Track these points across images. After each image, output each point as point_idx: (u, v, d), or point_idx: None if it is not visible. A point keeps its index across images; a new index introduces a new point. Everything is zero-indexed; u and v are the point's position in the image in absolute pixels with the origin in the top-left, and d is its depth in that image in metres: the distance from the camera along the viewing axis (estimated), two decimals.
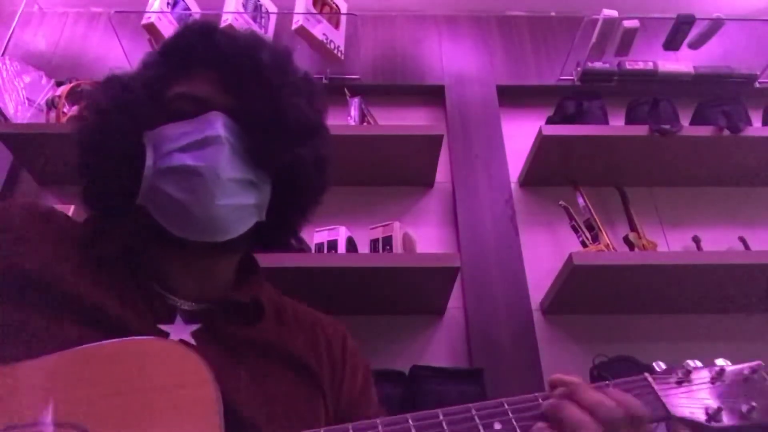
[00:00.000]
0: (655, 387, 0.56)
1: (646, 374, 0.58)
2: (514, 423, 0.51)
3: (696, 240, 1.63)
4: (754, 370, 0.57)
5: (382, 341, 1.49)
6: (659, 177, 1.75)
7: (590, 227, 1.54)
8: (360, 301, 1.47)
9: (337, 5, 1.94)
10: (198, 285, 0.69)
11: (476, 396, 1.30)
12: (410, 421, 0.50)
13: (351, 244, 1.50)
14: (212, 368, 0.55)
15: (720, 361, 0.59)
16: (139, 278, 0.66)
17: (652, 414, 0.54)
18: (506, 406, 0.52)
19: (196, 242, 0.65)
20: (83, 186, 0.69)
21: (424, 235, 1.63)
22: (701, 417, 0.54)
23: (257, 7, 1.90)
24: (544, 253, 1.63)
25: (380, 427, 0.49)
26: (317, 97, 0.74)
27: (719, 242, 1.64)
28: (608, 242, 1.50)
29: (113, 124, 0.66)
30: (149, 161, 0.65)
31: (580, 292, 1.46)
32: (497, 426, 0.50)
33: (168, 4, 1.81)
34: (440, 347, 1.50)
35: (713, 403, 0.55)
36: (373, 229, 1.53)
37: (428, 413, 0.51)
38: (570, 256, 1.38)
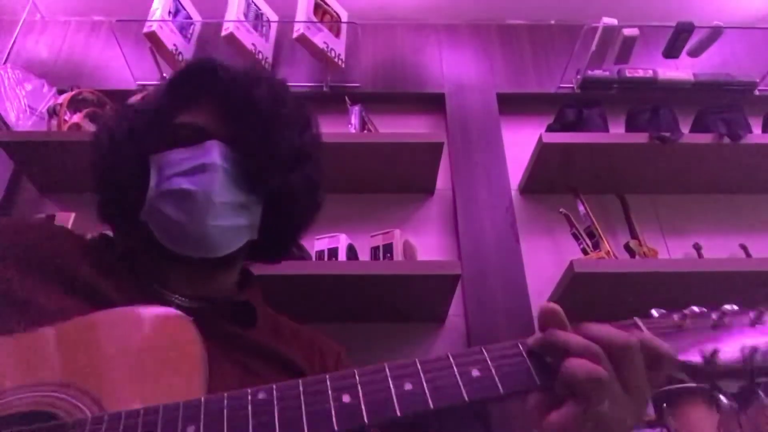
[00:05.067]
0: (644, 329, 0.55)
1: (636, 318, 0.56)
2: (493, 370, 0.49)
3: (697, 247, 1.62)
4: (762, 313, 0.56)
5: (383, 349, 1.48)
6: (660, 184, 1.75)
7: (591, 234, 1.54)
8: (360, 308, 1.47)
9: (337, 14, 1.95)
10: (196, 293, 0.74)
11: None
12: (387, 370, 0.50)
13: (351, 252, 1.50)
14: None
15: (723, 307, 0.57)
16: (141, 280, 0.71)
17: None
18: (485, 353, 0.51)
19: (191, 257, 0.72)
20: (97, 201, 0.77)
21: (424, 243, 1.63)
22: (695, 358, 0.52)
23: (258, 16, 1.91)
24: (545, 261, 1.63)
25: (357, 377, 0.49)
26: (310, 127, 0.82)
27: (720, 249, 1.64)
28: (609, 249, 1.50)
29: (122, 148, 0.74)
30: (152, 183, 0.72)
31: (581, 299, 1.45)
32: (475, 372, 0.49)
33: (169, 12, 1.82)
34: None
35: (710, 345, 0.53)
36: (373, 236, 1.53)
37: (406, 362, 0.51)
38: (571, 264, 1.38)
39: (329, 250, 1.48)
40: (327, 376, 0.50)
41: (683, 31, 1.78)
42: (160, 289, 0.72)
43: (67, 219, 1.46)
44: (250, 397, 0.49)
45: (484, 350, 0.51)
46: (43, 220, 0.85)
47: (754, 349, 0.52)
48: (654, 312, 0.58)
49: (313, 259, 1.48)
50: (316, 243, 1.50)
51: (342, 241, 1.49)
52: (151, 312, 0.62)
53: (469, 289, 1.55)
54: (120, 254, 0.73)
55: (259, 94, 0.74)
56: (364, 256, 1.53)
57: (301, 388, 0.49)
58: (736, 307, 0.57)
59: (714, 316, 0.56)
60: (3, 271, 0.65)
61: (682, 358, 0.52)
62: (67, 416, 0.51)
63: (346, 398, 0.48)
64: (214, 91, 0.75)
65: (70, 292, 0.65)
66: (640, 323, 0.55)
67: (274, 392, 0.49)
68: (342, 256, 1.47)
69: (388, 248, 1.48)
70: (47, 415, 0.51)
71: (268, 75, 0.80)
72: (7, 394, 0.53)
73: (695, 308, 0.57)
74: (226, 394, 0.49)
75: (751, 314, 0.56)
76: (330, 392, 0.48)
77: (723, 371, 0.52)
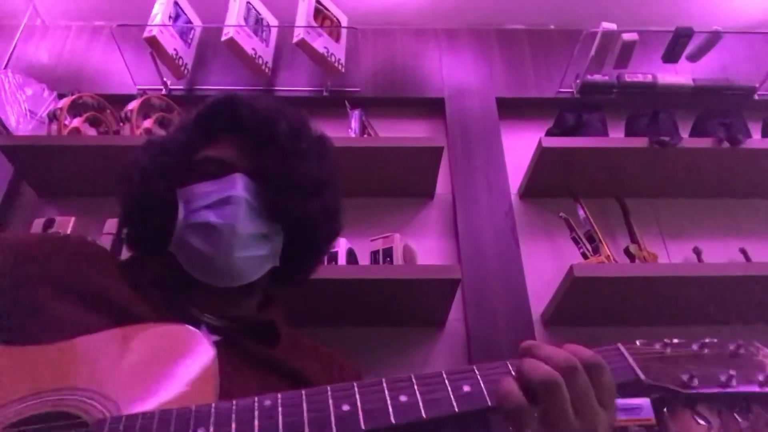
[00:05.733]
0: (626, 354, 0.59)
1: (619, 344, 0.61)
2: (482, 385, 0.54)
3: (697, 251, 1.62)
4: (739, 346, 0.60)
5: (383, 353, 1.48)
6: (659, 189, 1.75)
7: (591, 239, 1.54)
8: (360, 313, 1.47)
9: (337, 19, 1.96)
10: (223, 314, 0.77)
11: None
12: (384, 383, 0.54)
13: (351, 256, 1.50)
14: (226, 378, 0.62)
15: (703, 340, 0.61)
16: (172, 302, 0.74)
17: (616, 370, 0.57)
18: (476, 371, 0.56)
19: (217, 287, 0.76)
20: (126, 232, 0.82)
21: (424, 247, 1.63)
22: (675, 384, 0.56)
23: (258, 21, 1.91)
24: (545, 265, 1.63)
25: (356, 388, 0.54)
26: (328, 157, 0.86)
27: (720, 254, 1.64)
28: (609, 254, 1.50)
29: (152, 182, 0.78)
30: (181, 215, 0.76)
31: (581, 303, 1.45)
32: (466, 388, 0.54)
33: (170, 17, 1.83)
34: (441, 359, 1.50)
35: (688, 372, 0.57)
36: (373, 240, 1.53)
37: (401, 377, 0.55)
38: (571, 268, 1.38)
39: (329, 254, 1.48)
40: (328, 387, 0.54)
41: (682, 35, 1.78)
42: (190, 309, 0.75)
43: (67, 223, 1.46)
44: (256, 404, 0.52)
45: (475, 368, 0.56)
46: (82, 239, 0.90)
47: (731, 377, 0.56)
48: (638, 342, 0.62)
49: None
50: None
51: (342, 245, 1.49)
52: (169, 327, 0.65)
53: (469, 294, 1.55)
54: (151, 278, 0.76)
55: (279, 129, 0.78)
56: (363, 260, 1.53)
57: (304, 397, 0.53)
58: (715, 340, 0.61)
59: (695, 346, 0.61)
60: (36, 289, 0.68)
61: (661, 384, 0.56)
62: (88, 417, 0.54)
63: (345, 407, 0.52)
64: (236, 126, 0.79)
65: (104, 312, 0.68)
66: (623, 349, 0.60)
67: (279, 399, 0.53)
68: (342, 260, 1.47)
69: (388, 252, 1.48)
70: (70, 415, 0.55)
71: (288, 109, 0.84)
72: (35, 397, 0.57)
73: (676, 340, 0.61)
74: (234, 401, 0.53)
75: (731, 346, 0.61)
76: (331, 401, 0.52)
77: (700, 397, 0.56)
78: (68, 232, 1.43)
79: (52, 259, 0.72)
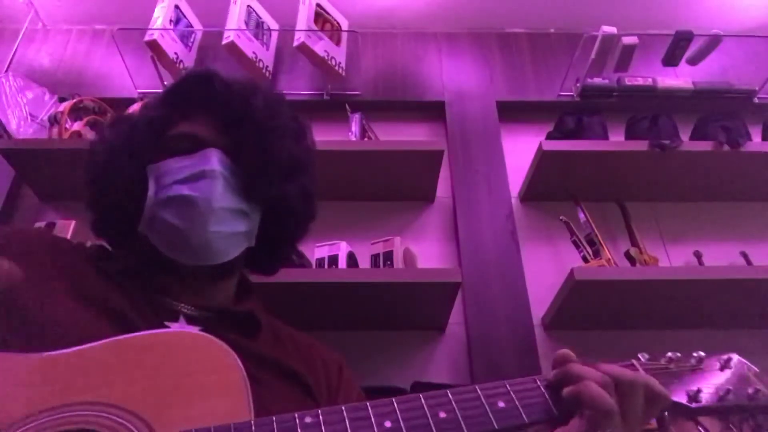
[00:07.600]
0: (641, 369, 0.62)
1: (634, 360, 0.64)
2: (516, 401, 0.55)
3: (697, 255, 1.62)
4: (729, 359, 0.64)
5: (383, 357, 1.48)
6: (660, 192, 1.75)
7: (591, 242, 1.54)
8: (361, 316, 1.47)
9: (338, 22, 1.96)
10: (197, 302, 0.73)
11: None
12: (422, 400, 0.55)
13: (352, 260, 1.50)
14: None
15: (698, 353, 0.66)
16: (146, 291, 0.71)
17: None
18: (508, 387, 0.57)
19: (191, 265, 0.72)
20: (92, 217, 0.77)
21: (424, 251, 1.63)
22: (683, 398, 0.60)
23: (259, 24, 1.91)
24: (546, 268, 1.62)
25: (396, 405, 0.54)
26: (305, 138, 0.83)
27: (721, 257, 1.63)
28: (609, 257, 1.50)
29: (119, 160, 0.74)
30: (151, 192, 0.72)
31: (582, 307, 1.45)
32: (501, 404, 0.55)
33: (171, 21, 1.83)
34: (441, 363, 1.50)
35: (693, 387, 0.61)
36: (374, 244, 1.53)
37: (438, 392, 0.56)
38: (571, 271, 1.38)
39: (329, 257, 1.48)
40: (368, 404, 0.54)
41: (682, 39, 1.78)
42: (164, 298, 0.71)
43: (68, 227, 1.46)
44: (297, 421, 0.52)
45: (507, 384, 0.57)
46: (47, 231, 0.86)
47: (728, 391, 0.60)
48: (641, 356, 0.65)
49: (314, 266, 1.47)
50: (317, 250, 1.50)
51: (342, 249, 1.49)
52: (185, 335, 0.62)
53: (469, 297, 1.55)
54: (122, 268, 0.72)
55: (255, 104, 0.75)
56: (364, 263, 1.53)
57: (345, 414, 0.53)
58: (703, 354, 0.65)
59: (693, 360, 0.65)
60: (17, 289, 0.63)
61: (673, 398, 0.60)
62: None
63: (387, 423, 0.52)
64: (210, 101, 0.76)
65: (82, 305, 0.64)
66: (637, 364, 0.63)
67: (320, 416, 0.52)
68: (342, 263, 1.47)
69: (389, 256, 1.48)
70: None
71: (264, 86, 0.81)
72: (47, 414, 0.52)
73: (671, 354, 0.66)
74: (274, 417, 0.52)
75: (723, 358, 0.65)
76: (373, 418, 0.52)
77: (704, 410, 0.60)
78: (69, 235, 1.43)
79: (27, 253, 0.67)
